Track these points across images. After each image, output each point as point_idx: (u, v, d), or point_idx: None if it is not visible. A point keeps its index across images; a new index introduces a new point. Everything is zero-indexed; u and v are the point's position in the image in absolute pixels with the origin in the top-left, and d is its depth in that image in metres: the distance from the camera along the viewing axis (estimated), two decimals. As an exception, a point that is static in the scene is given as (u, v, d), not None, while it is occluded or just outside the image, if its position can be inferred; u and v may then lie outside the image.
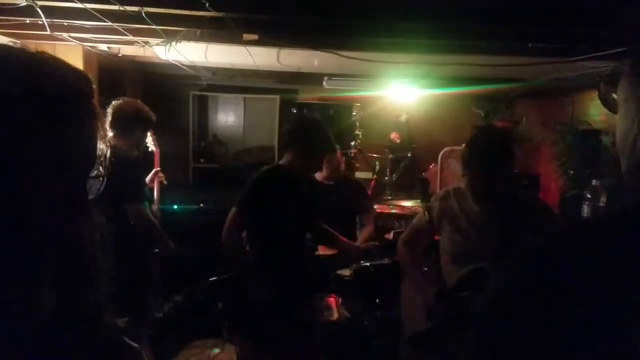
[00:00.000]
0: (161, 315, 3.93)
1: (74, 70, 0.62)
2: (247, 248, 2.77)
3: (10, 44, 0.59)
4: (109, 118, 3.04)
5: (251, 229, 2.70)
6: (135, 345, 0.62)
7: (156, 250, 3.26)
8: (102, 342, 0.61)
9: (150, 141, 3.61)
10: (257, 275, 2.62)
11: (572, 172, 3.87)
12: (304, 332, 2.75)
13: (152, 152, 3.71)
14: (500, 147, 2.24)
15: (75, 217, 0.60)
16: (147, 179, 3.57)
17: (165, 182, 3.72)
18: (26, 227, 0.55)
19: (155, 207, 3.58)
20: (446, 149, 5.12)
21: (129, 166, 2.95)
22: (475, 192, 2.30)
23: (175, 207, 4.64)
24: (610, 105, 0.78)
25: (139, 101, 3.22)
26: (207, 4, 2.07)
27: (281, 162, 2.78)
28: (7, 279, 0.54)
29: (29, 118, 0.54)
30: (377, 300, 3.27)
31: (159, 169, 3.69)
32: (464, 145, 2.40)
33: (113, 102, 3.08)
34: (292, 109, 5.90)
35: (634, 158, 0.67)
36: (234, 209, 2.62)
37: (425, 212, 2.24)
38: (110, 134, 3.04)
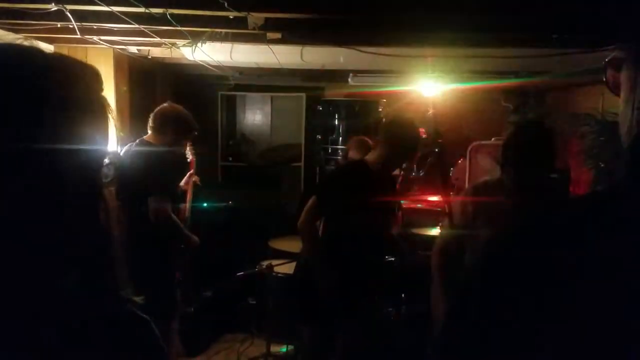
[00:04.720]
0: (192, 310, 4.02)
1: (84, 65, 0.67)
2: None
3: (23, 42, 0.64)
4: (151, 117, 3.19)
5: (327, 219, 2.73)
6: (145, 316, 0.67)
7: (182, 246, 3.33)
8: (115, 313, 0.66)
9: (188, 150, 3.80)
10: (330, 263, 2.62)
11: (602, 164, 3.78)
12: (367, 325, 2.80)
13: (189, 161, 3.90)
14: (545, 146, 2.20)
15: (92, 202, 0.66)
16: (183, 181, 3.77)
17: (200, 184, 3.91)
18: (51, 213, 0.61)
19: (183, 205, 3.67)
20: (475, 143, 5.06)
21: (155, 162, 3.07)
22: (514, 189, 2.25)
23: (205, 204, 4.74)
24: (616, 90, 0.77)
25: (182, 107, 3.29)
26: (225, 4, 2.11)
27: (367, 157, 2.78)
28: (34, 259, 0.60)
29: (45, 111, 0.59)
30: (403, 295, 3.29)
31: (192, 171, 3.84)
32: (495, 139, 2.36)
33: (162, 104, 3.26)
34: (318, 106, 5.94)
35: (628, 141, 0.68)
36: (313, 198, 2.66)
37: (446, 208, 2.24)
38: (148, 132, 3.20)
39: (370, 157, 2.73)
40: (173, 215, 3.15)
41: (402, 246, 3.14)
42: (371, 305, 2.97)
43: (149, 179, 3.00)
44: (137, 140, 3.20)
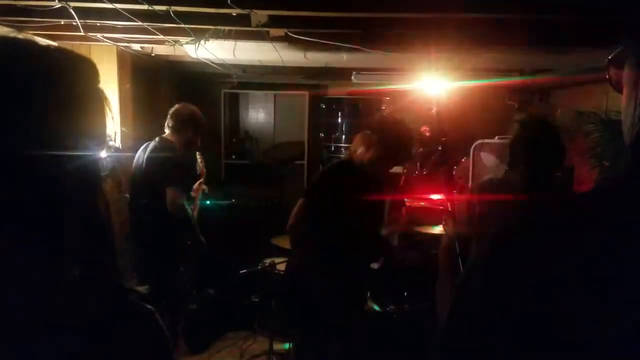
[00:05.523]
0: (194, 307, 4.03)
1: (80, 57, 0.67)
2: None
3: (17, 35, 0.64)
4: (169, 117, 3.45)
5: (316, 220, 2.60)
6: (149, 306, 0.67)
7: (189, 242, 3.40)
8: (118, 305, 0.66)
9: (199, 163, 4.02)
10: (317, 266, 2.56)
11: (606, 162, 3.77)
12: (356, 325, 2.78)
13: (199, 172, 4.04)
14: (553, 143, 2.19)
15: (90, 195, 0.66)
16: (192, 189, 3.93)
17: (207, 192, 4.09)
18: (48, 206, 0.61)
19: (191, 206, 3.73)
20: (478, 141, 5.04)
21: (172, 157, 3.31)
22: (521, 187, 2.23)
23: (208, 202, 4.74)
24: (619, 87, 0.76)
25: (195, 107, 3.55)
26: (229, 1, 2.10)
27: (357, 156, 2.68)
28: (33, 254, 0.60)
29: (40, 102, 0.59)
30: (405, 293, 3.29)
31: (202, 180, 4.00)
32: (499, 138, 2.35)
33: (175, 105, 3.54)
34: (322, 104, 5.93)
35: (630, 138, 0.68)
36: (301, 200, 2.60)
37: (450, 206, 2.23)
38: (167, 131, 3.45)
39: (361, 156, 2.65)
40: (187, 207, 3.38)
41: (391, 247, 3.13)
42: (362, 307, 2.97)
43: (168, 172, 3.25)
44: (157, 138, 3.43)
